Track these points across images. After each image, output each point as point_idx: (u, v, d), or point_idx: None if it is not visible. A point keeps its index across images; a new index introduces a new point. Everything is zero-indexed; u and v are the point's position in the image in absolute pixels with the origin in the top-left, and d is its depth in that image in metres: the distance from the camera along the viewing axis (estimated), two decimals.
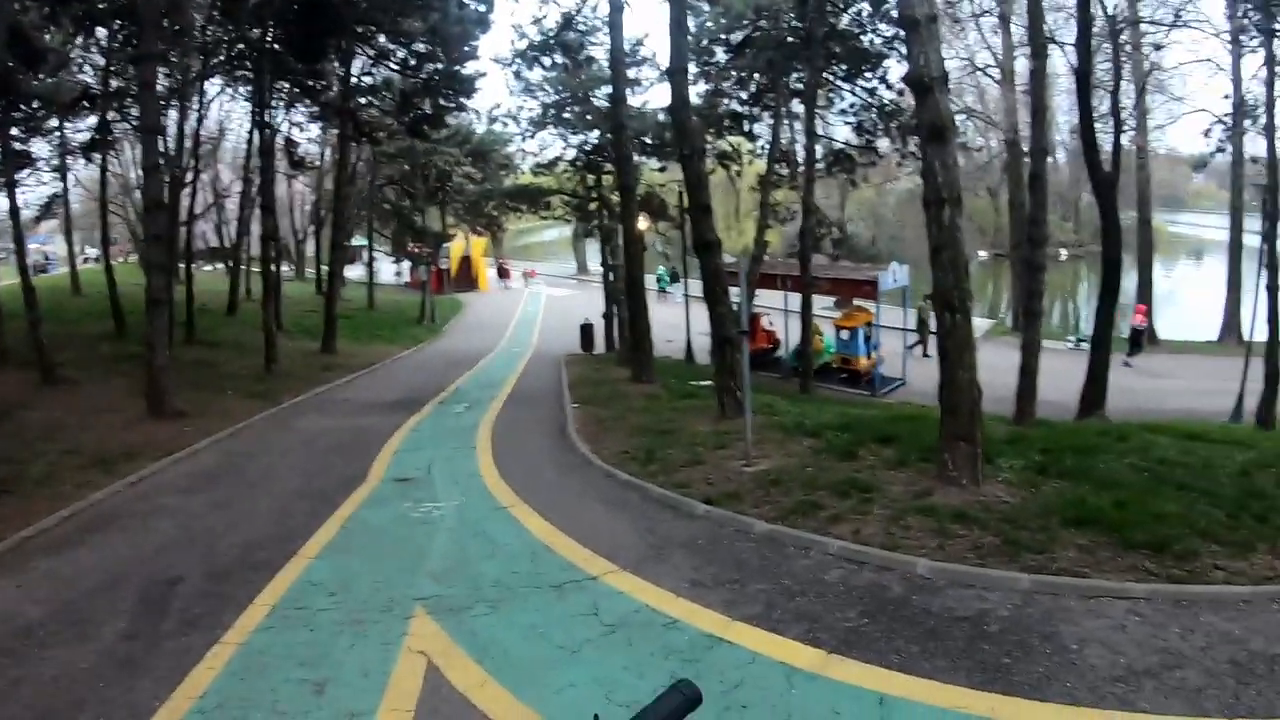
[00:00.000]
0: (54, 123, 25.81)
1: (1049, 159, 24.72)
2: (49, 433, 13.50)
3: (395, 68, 29.22)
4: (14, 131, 22.68)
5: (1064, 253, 50.76)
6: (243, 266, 34.52)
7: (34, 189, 29.42)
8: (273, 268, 25.30)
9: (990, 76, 35.47)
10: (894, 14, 23.38)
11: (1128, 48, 23.68)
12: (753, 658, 5.38)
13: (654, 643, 5.65)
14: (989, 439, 8.96)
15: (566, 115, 30.84)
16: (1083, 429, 12.69)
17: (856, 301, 25.46)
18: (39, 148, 26.92)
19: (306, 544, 8.19)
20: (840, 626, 5.75)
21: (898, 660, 5.21)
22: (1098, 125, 18.96)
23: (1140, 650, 5.08)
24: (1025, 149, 31.33)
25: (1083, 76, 17.29)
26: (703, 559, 7.21)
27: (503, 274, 62.93)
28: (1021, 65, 33.42)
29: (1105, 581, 6.07)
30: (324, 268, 39.16)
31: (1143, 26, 25.32)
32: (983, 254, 49.50)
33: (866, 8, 23.71)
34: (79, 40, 23.43)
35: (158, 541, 8.58)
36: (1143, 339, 29.28)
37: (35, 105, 23.58)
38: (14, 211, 21.59)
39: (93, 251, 49.97)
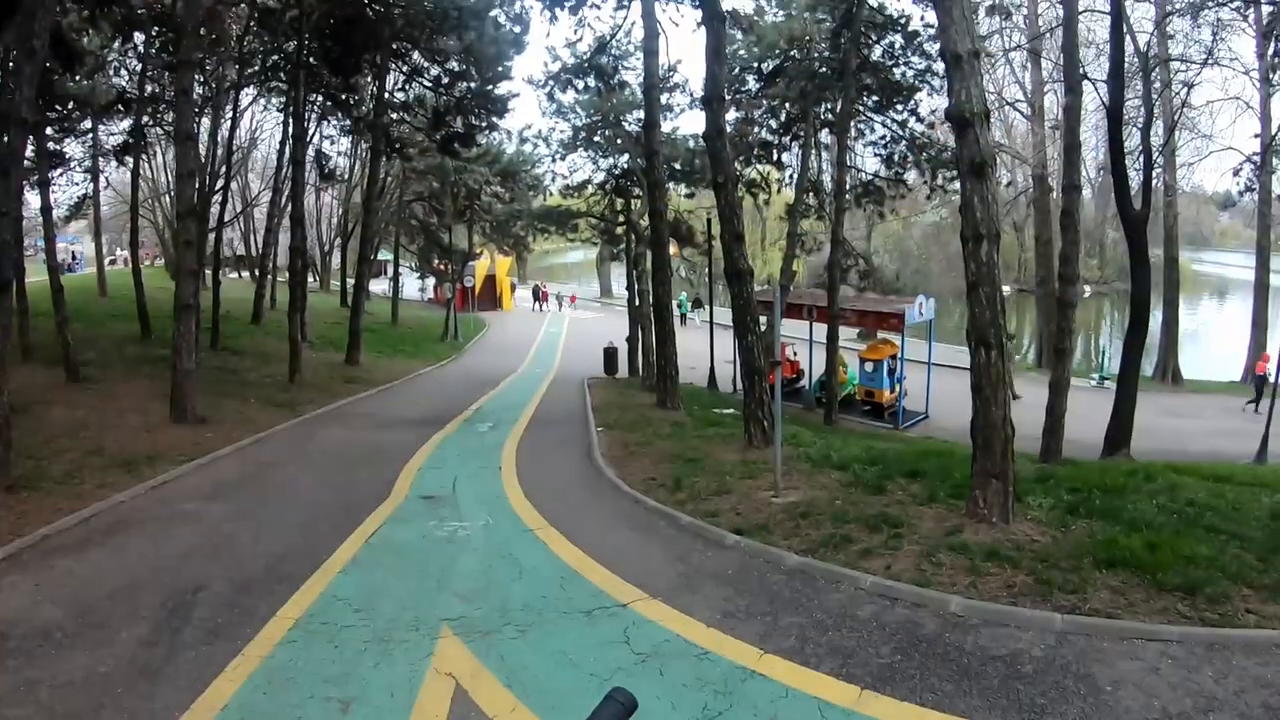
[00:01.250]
0: (88, 124, 26.13)
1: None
2: (71, 431, 13.53)
3: (429, 85, 29.50)
4: (49, 131, 22.95)
5: (1088, 289, 50.49)
6: (269, 276, 34.67)
7: (65, 189, 29.84)
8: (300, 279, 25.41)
9: (1020, 111, 35.47)
10: (926, 47, 23.46)
11: (1157, 85, 23.59)
12: (786, 692, 5.29)
13: (687, 673, 5.57)
14: (1018, 477, 8.86)
15: (597, 139, 31.01)
16: (1110, 469, 12.53)
17: (882, 334, 25.36)
18: (72, 148, 27.31)
19: (331, 558, 8.14)
20: (874, 663, 5.66)
21: (932, 699, 5.12)
22: (1127, 162, 18.86)
23: (1174, 693, 4.99)
24: (1053, 184, 31.30)
25: (1114, 113, 17.22)
26: (734, 590, 7.13)
27: (539, 297, 62.51)
28: (1050, 100, 33.48)
29: (1138, 623, 5.97)
30: (349, 280, 39.33)
31: (1173, 64, 25.25)
32: (1007, 289, 49.28)
33: (899, 40, 23.77)
34: (117, 44, 23.72)
35: (179, 548, 8.54)
36: (1264, 386, 27.92)
37: (71, 106, 23.89)
38: (45, 210, 21.83)
39: (122, 254, 50.39)
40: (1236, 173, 25.11)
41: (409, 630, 6.38)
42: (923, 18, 23.59)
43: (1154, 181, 22.96)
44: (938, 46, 20.78)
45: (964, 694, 5.15)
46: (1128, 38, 18.21)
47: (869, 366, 24.68)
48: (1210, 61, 23.25)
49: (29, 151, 16.52)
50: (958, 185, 23.49)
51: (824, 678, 5.47)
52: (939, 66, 22.91)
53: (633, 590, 7.14)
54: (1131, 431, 17.26)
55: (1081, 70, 18.65)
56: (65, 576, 7.70)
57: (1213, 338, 43.50)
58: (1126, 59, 18.24)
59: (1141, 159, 20.29)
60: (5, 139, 11.49)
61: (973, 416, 8.64)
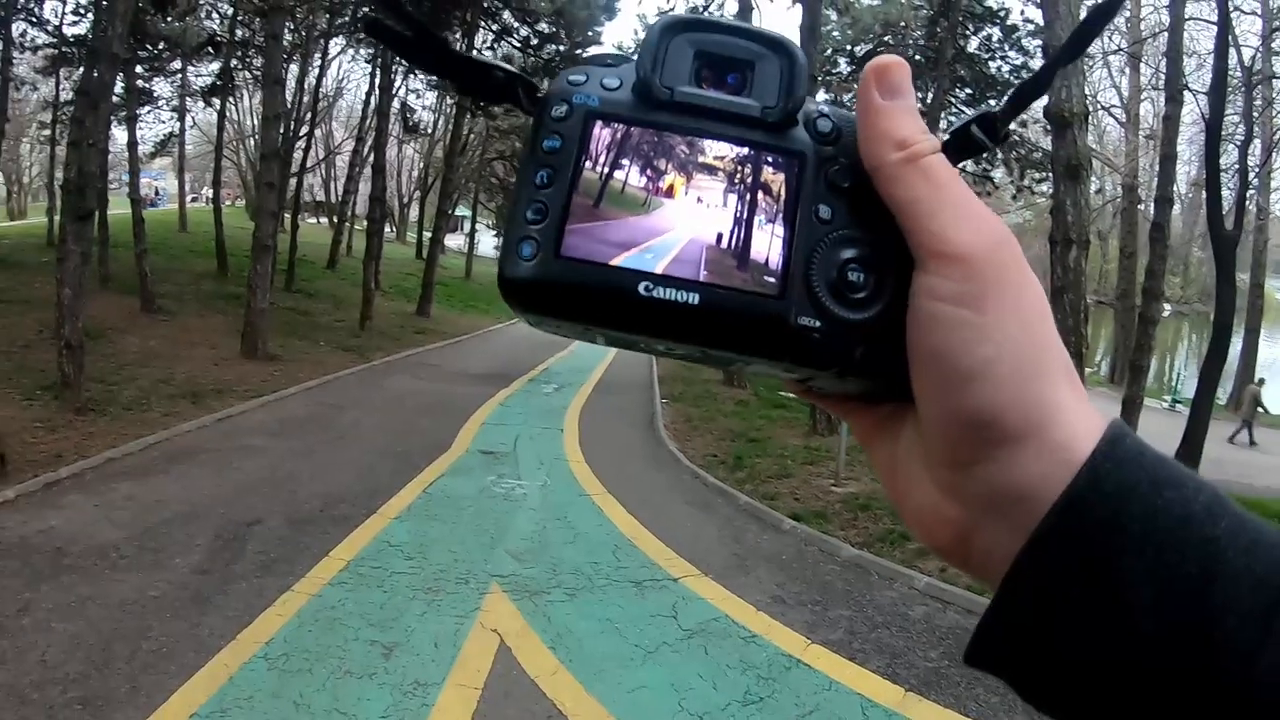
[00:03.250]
0: (178, 65, 26.63)
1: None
2: (143, 360, 13.88)
3: (517, 45, 29.49)
4: (139, 69, 23.46)
5: (1168, 308, 49.12)
6: (346, 223, 35.15)
7: (152, 126, 30.51)
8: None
9: (1114, 117, 34.44)
10: (1024, 42, 22.87)
11: (1259, 102, 22.68)
12: (830, 684, 5.25)
13: (732, 655, 5.54)
14: None
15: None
16: None
17: None
18: (161, 87, 27.88)
19: (388, 503, 8.22)
20: (921, 665, 5.57)
21: (976, 709, 5.04)
22: (1221, 180, 18.18)
23: None
24: (1143, 195, 30.38)
25: (1213, 128, 16.56)
26: (786, 576, 7.07)
27: None
28: (1145, 109, 32.45)
29: None
30: (426, 233, 39.74)
31: (1276, 82, 24.25)
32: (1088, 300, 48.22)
33: (997, 33, 23.20)
34: None
35: (239, 481, 8.71)
36: None
37: (162, 46, 24.38)
38: (132, 145, 22.33)
39: (205, 191, 51.61)
40: None
41: (458, 583, 6.42)
42: (1022, 12, 23.00)
43: (1247, 203, 22.16)
44: (1037, 42, 20.39)
45: (1008, 709, 5.07)
46: (1232, 50, 17.49)
47: None
48: None
49: (118, 87, 16.87)
50: (1045, 187, 23.06)
51: (869, 675, 5.40)
52: (1035, 63, 22.36)
53: (685, 565, 7.12)
54: (1200, 459, 16.74)
55: (1183, 80, 18.00)
56: (126, 500, 7.91)
57: None
58: (1229, 72, 17.54)
59: (1236, 178, 19.55)
60: (96, 73, 11.78)
61: None
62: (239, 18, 25.25)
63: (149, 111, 28.03)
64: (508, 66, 0.44)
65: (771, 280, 0.42)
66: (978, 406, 0.38)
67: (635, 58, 0.44)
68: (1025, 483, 0.37)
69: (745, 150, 0.43)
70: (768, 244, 0.43)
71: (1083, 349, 8.39)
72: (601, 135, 0.43)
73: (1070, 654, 0.36)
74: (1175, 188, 21.24)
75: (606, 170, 0.43)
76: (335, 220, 36.29)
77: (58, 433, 9.73)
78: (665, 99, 0.43)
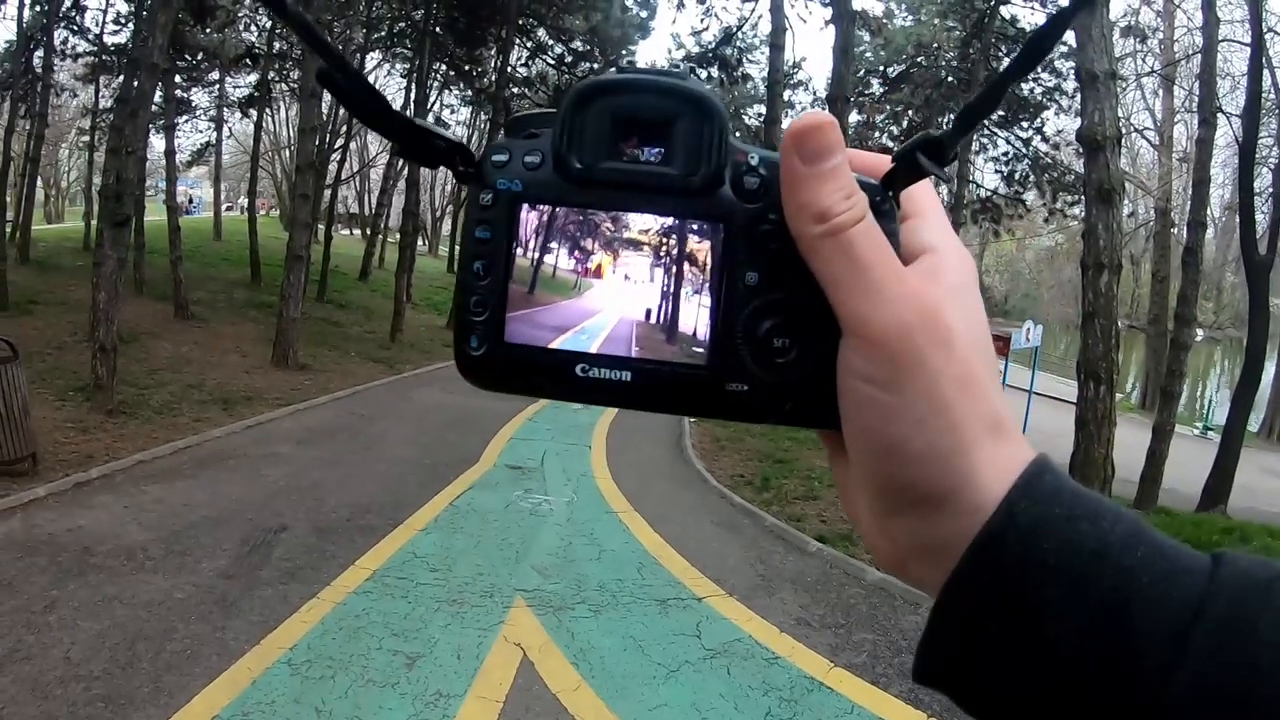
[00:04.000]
0: (216, 76, 27.06)
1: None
2: (174, 365, 14.05)
3: (551, 62, 29.71)
4: (178, 79, 23.85)
5: (1200, 333, 48.51)
6: (379, 235, 35.45)
7: (190, 135, 30.97)
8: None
9: (1147, 139, 34.16)
10: (1057, 64, 22.74)
11: None
12: (852, 708, 5.21)
13: (754, 676, 5.51)
14: None
15: (739, 140, 30.86)
16: (1205, 524, 12.06)
17: None
18: (199, 98, 28.34)
19: (414, 515, 8.24)
20: None
21: None
22: (1256, 204, 17.96)
23: None
24: (1176, 219, 30.07)
25: (1247, 150, 16.37)
26: (811, 598, 7.02)
27: None
28: (1179, 131, 32.16)
29: None
30: (457, 247, 40.02)
31: None
32: (1120, 324, 47.67)
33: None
34: (248, 1, 24.50)
35: (267, 488, 8.78)
36: None
37: (200, 57, 24.80)
38: (169, 153, 22.72)
39: (240, 201, 52.15)
40: None
41: (483, 596, 6.44)
42: None
43: None
44: (1070, 64, 20.25)
45: None
46: (1266, 72, 17.29)
47: None
48: None
49: (158, 96, 17.16)
50: (1078, 210, 22.88)
51: (892, 699, 5.36)
52: (1068, 85, 22.23)
53: (710, 585, 7.09)
54: (1231, 487, 16.48)
55: (1217, 103, 17.83)
56: (154, 502, 8.00)
57: None
58: (1264, 94, 17.36)
59: (1271, 202, 19.30)
60: (136, 82, 12.00)
61: (1073, 451, 8.37)
62: (277, 31, 25.59)
63: (187, 121, 28.47)
64: (449, 135, 0.43)
65: (700, 350, 0.44)
66: (892, 476, 0.40)
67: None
68: (943, 537, 0.39)
69: (669, 221, 0.44)
70: (695, 315, 0.44)
71: (1114, 375, 8.31)
72: (528, 219, 0.44)
73: (994, 683, 0.37)
74: (1209, 211, 20.97)
75: (537, 256, 0.44)
76: (368, 232, 36.59)
77: (89, 434, 9.87)
78: (584, 175, 0.43)
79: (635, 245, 0.45)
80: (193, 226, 30.06)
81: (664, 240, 0.44)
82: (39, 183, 31.82)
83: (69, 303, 15.80)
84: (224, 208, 38.27)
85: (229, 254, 28.62)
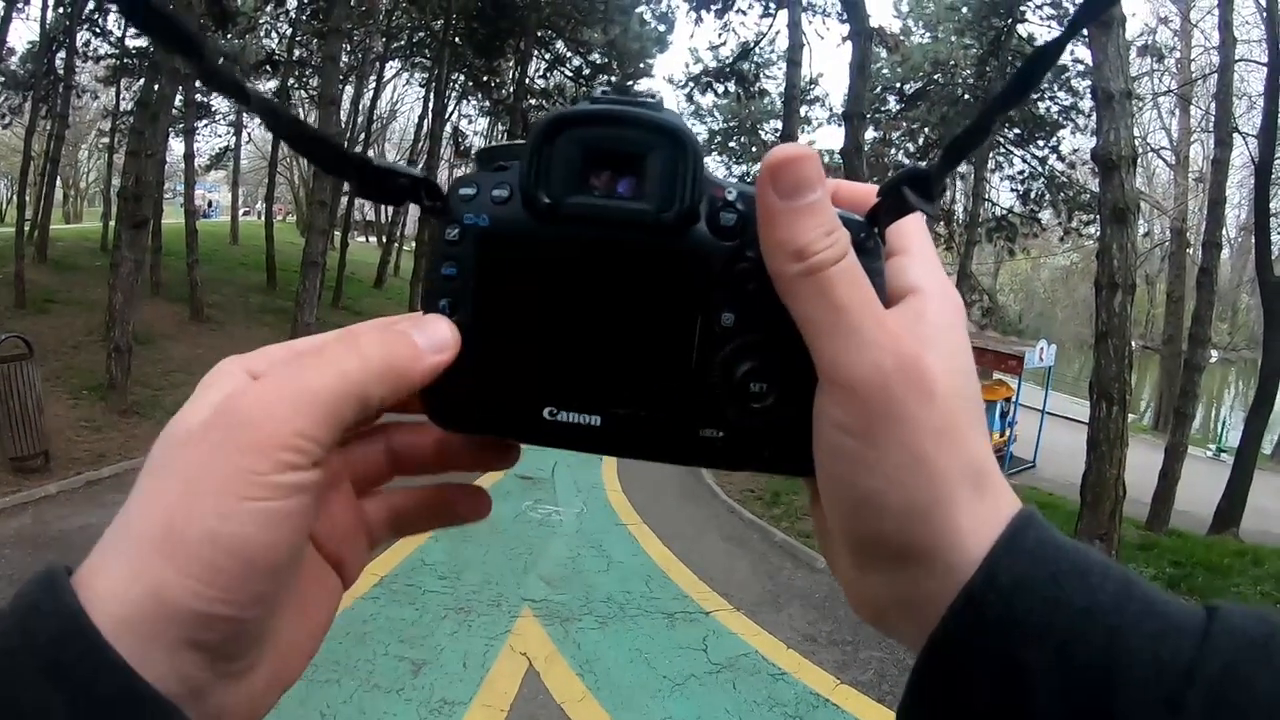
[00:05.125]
0: None
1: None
2: (188, 366, 14.09)
3: (569, 75, 29.83)
4: (198, 84, 24.03)
5: (1215, 354, 48.21)
6: (395, 243, 35.57)
7: (209, 139, 31.19)
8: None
9: (1163, 159, 34.04)
10: (1074, 83, 22.72)
11: None
12: None
13: (759, 691, 5.50)
14: (1122, 542, 8.55)
15: (733, 144, 30.99)
16: (1217, 546, 11.97)
17: (998, 375, 24.60)
18: (219, 102, 28.50)
19: None
20: None
21: None
22: (1272, 225, 17.86)
23: None
24: (1191, 240, 29.94)
25: (1263, 171, 16.29)
26: (818, 614, 7.01)
27: None
28: (1195, 151, 32.04)
29: None
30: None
31: None
32: (1134, 344, 47.37)
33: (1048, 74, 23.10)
34: (269, 8, 24.69)
35: None
36: None
37: (220, 63, 24.97)
38: (188, 157, 22.86)
39: (257, 206, 52.43)
40: None
41: (490, 605, 6.45)
42: (1072, 52, 22.80)
43: None
44: (1086, 83, 20.23)
45: None
46: None
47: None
48: None
49: (178, 100, 17.30)
50: (1094, 229, 22.82)
51: None
52: (1084, 104, 22.18)
53: (717, 599, 7.09)
54: (1244, 510, 16.36)
55: (1233, 123, 17.76)
56: None
57: None
58: None
59: None
60: (157, 86, 12.12)
61: (1084, 472, 8.33)
62: (297, 38, 25.80)
63: (206, 125, 28.65)
64: (411, 172, 0.42)
65: (673, 395, 0.42)
66: (868, 529, 0.39)
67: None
68: (922, 594, 0.38)
69: (641, 259, 0.42)
70: (667, 357, 0.42)
71: (1127, 395, 8.26)
72: (495, 257, 0.42)
73: None
74: (1224, 232, 20.88)
75: (504, 294, 0.42)
76: (384, 240, 36.71)
77: (102, 433, 9.94)
78: (552, 211, 0.41)
79: (607, 284, 0.42)
80: (210, 230, 30.22)
81: (636, 279, 0.42)
82: (58, 183, 32.05)
83: (85, 303, 15.88)
84: (241, 212, 38.47)
85: (245, 258, 28.74)
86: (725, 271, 0.41)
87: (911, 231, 0.44)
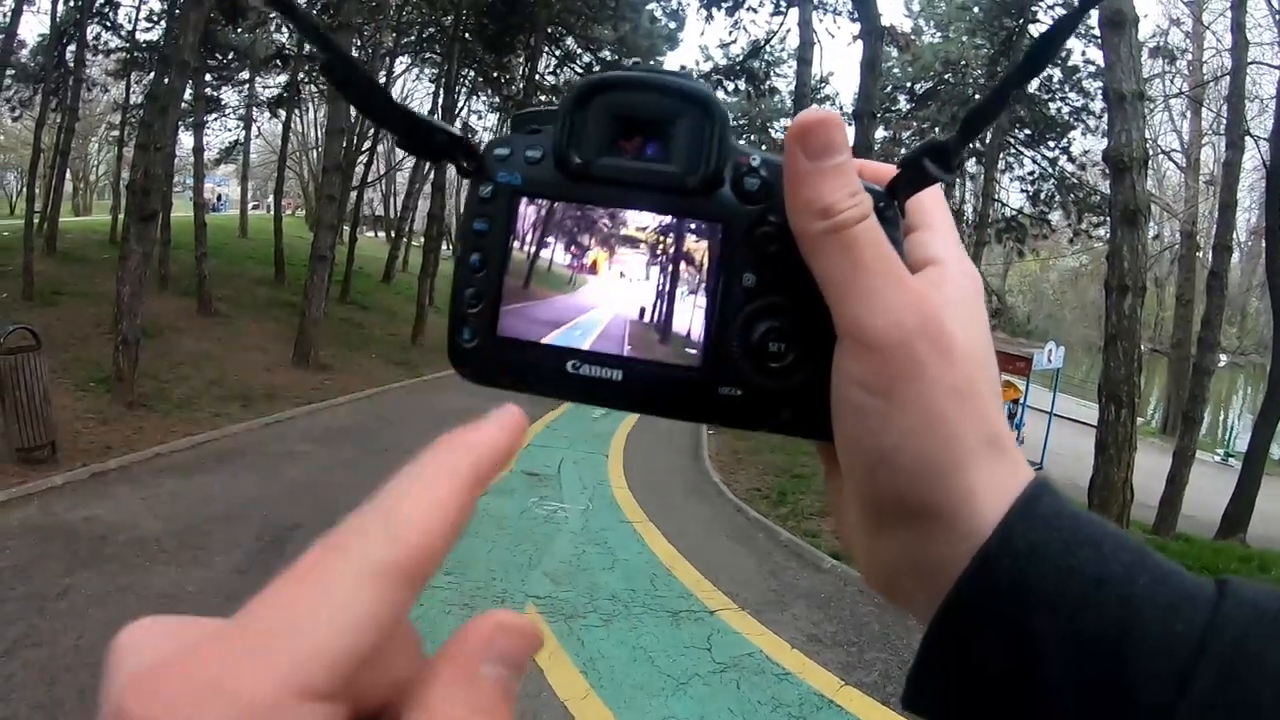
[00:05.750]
0: (246, 75, 27.32)
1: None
2: (196, 360, 14.14)
3: (580, 71, 29.82)
4: (208, 78, 24.10)
5: (1224, 358, 48.02)
6: (404, 238, 35.62)
7: (218, 133, 31.30)
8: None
9: (1174, 161, 33.91)
10: (1085, 84, 22.67)
11: None
12: None
13: (763, 691, 5.48)
14: None
15: (742, 143, 30.92)
16: (1224, 551, 11.95)
17: (1005, 376, 24.55)
18: (229, 96, 28.62)
19: None
20: None
21: None
22: None
23: None
24: (1202, 243, 29.84)
25: (1274, 174, 16.20)
26: (823, 614, 6.98)
27: None
28: (1206, 154, 31.92)
29: None
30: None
31: None
32: (1143, 347, 47.20)
33: (1058, 74, 23.03)
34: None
35: (283, 485, 8.82)
36: None
37: (231, 57, 25.04)
38: (198, 150, 22.95)
39: (266, 200, 52.53)
40: None
41: (494, 601, 6.43)
42: (1084, 53, 22.82)
43: None
44: (1098, 84, 20.19)
45: None
46: None
47: None
48: None
49: (187, 94, 17.35)
50: (1104, 231, 22.78)
51: None
52: (1095, 106, 22.17)
53: (722, 598, 7.06)
54: (1251, 515, 16.30)
55: (1244, 125, 17.69)
56: (170, 495, 8.07)
57: None
58: None
59: None
60: (167, 79, 12.14)
61: (1092, 475, 8.30)
62: None
63: (216, 119, 28.75)
64: (451, 130, 0.43)
65: (693, 352, 0.43)
66: (882, 489, 0.38)
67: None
68: (936, 557, 0.38)
69: (667, 219, 0.44)
70: (690, 315, 0.43)
71: (1135, 398, 8.23)
72: (526, 213, 0.44)
73: (986, 716, 0.36)
74: (1235, 235, 20.80)
75: (534, 250, 0.44)
76: (393, 235, 36.77)
77: (108, 425, 9.97)
78: (583, 171, 0.43)
79: (632, 243, 0.45)
80: (218, 224, 30.32)
81: (661, 239, 0.44)
82: (68, 176, 32.16)
83: (93, 295, 15.92)
84: (251, 206, 38.58)
85: (254, 252, 28.79)
86: (748, 234, 0.43)
87: (933, 208, 0.45)
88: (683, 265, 0.44)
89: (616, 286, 0.45)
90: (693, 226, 0.43)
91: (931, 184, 0.41)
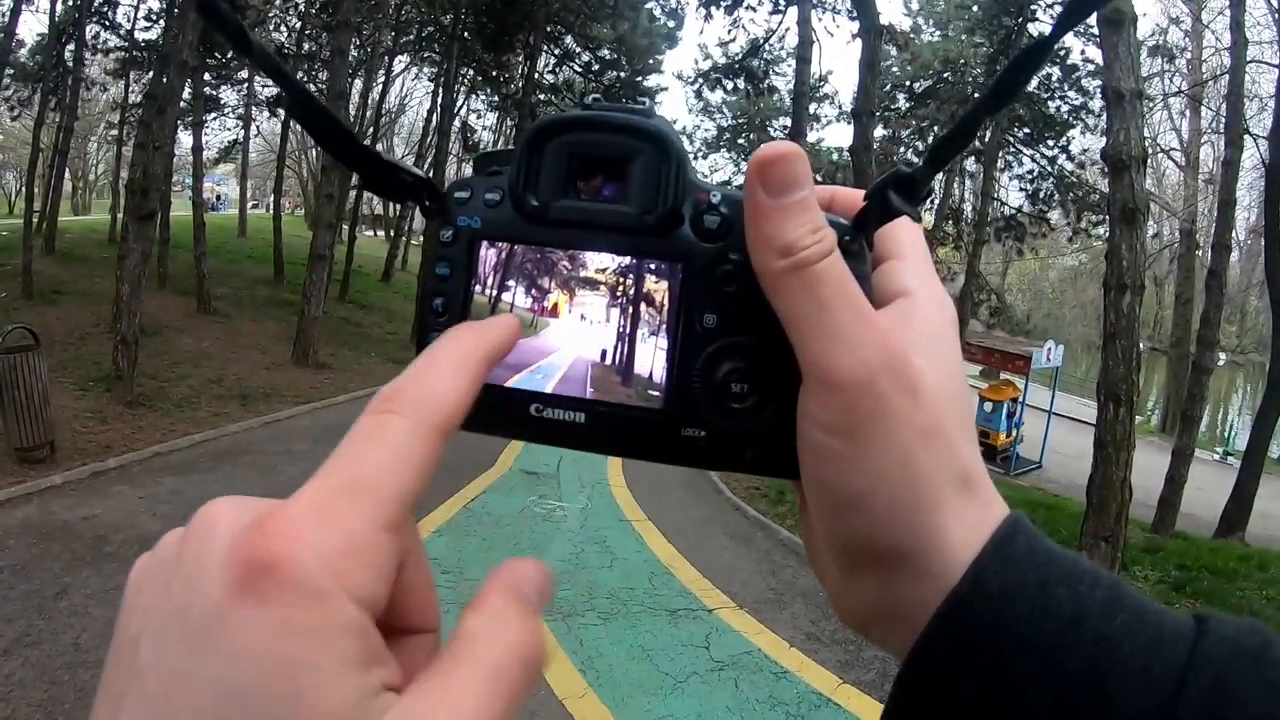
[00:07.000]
0: (245, 74, 27.31)
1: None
2: (195, 359, 14.15)
3: (579, 70, 29.85)
4: (207, 76, 24.08)
5: (1223, 357, 47.98)
6: (403, 238, 35.62)
7: (217, 133, 31.29)
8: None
9: (1173, 160, 33.91)
10: (1084, 83, 22.66)
11: None
12: None
13: (761, 689, 5.49)
14: (1127, 544, 8.53)
15: (741, 141, 31.00)
16: (1223, 550, 11.93)
17: (1005, 375, 24.54)
18: (228, 95, 28.60)
19: (428, 517, 8.23)
20: None
21: None
22: None
23: None
24: (1201, 241, 29.85)
25: (1273, 173, 16.19)
26: (822, 612, 6.98)
27: None
28: (1206, 152, 31.90)
29: None
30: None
31: None
32: (1141, 345, 47.17)
33: (1057, 73, 23.01)
34: (279, 1, 24.72)
35: (282, 483, 8.79)
36: None
37: (229, 55, 25.00)
38: (196, 149, 22.91)
39: (265, 199, 52.54)
40: None
41: None
42: (1083, 52, 22.79)
43: None
44: (1097, 83, 20.17)
45: None
46: None
47: (988, 406, 23.76)
48: None
49: (186, 93, 17.35)
50: (1103, 230, 22.78)
51: None
52: (1095, 104, 22.13)
53: (721, 597, 7.07)
54: (1250, 514, 16.30)
55: (1244, 124, 17.67)
56: (170, 494, 8.08)
57: None
58: None
59: None
60: (165, 79, 12.15)
61: (1091, 473, 8.30)
62: (306, 32, 25.81)
63: (215, 118, 28.73)
64: (415, 170, 0.42)
65: (656, 394, 0.43)
66: (852, 532, 0.38)
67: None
68: (907, 601, 0.37)
69: (626, 260, 0.43)
70: (652, 357, 0.43)
71: (1134, 397, 8.22)
72: (487, 257, 0.44)
73: None
74: (1234, 234, 20.76)
75: (495, 293, 0.44)
76: (392, 234, 36.78)
77: (108, 424, 9.97)
78: (540, 214, 0.43)
79: (592, 284, 0.44)
80: (218, 223, 30.30)
81: (621, 280, 0.44)
82: (67, 175, 32.13)
83: (93, 294, 15.94)
84: (250, 205, 38.57)
85: (253, 251, 28.77)
86: (708, 273, 0.42)
87: (904, 238, 0.44)
88: (643, 306, 0.43)
89: (578, 329, 0.45)
90: (652, 266, 0.43)
91: (897, 217, 0.41)
